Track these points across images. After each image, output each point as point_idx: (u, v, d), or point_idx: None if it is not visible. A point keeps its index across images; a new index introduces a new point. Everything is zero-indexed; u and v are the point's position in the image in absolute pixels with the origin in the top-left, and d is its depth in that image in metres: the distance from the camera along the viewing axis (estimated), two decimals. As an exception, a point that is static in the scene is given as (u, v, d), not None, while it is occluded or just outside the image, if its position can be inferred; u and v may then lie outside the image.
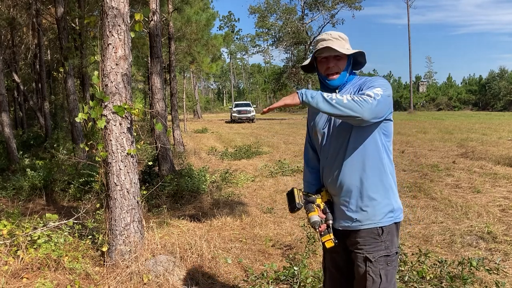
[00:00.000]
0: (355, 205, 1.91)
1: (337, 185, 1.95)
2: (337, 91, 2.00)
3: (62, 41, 9.47)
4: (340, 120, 1.90)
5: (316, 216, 1.94)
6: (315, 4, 37.18)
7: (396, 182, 2.01)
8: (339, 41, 1.97)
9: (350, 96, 1.72)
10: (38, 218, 4.02)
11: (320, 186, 2.09)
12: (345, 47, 1.97)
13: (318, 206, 1.99)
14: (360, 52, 1.98)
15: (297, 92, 1.77)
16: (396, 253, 1.93)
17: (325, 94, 1.74)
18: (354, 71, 2.06)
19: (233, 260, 3.91)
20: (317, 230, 1.94)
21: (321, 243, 1.97)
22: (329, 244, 1.92)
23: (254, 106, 45.34)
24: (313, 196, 2.01)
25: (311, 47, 34.81)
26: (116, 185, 3.62)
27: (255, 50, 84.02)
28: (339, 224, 1.97)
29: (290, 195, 1.99)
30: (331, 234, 1.93)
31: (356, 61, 2.04)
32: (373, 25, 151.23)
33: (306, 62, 2.08)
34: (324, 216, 1.98)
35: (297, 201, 1.93)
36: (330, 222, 1.96)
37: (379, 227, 1.89)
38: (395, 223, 1.93)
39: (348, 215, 1.93)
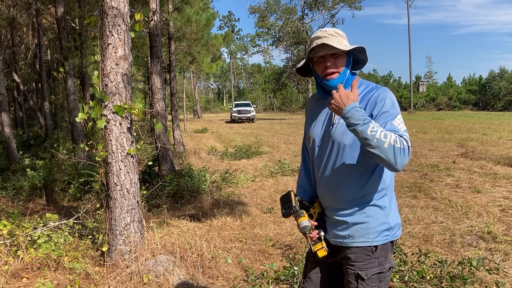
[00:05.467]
0: (348, 221, 1.76)
1: (329, 198, 1.81)
2: None
3: (62, 41, 9.48)
4: (337, 132, 1.75)
5: (306, 221, 1.82)
6: (315, 4, 37.25)
7: (395, 197, 1.87)
8: (336, 37, 1.75)
9: (394, 136, 1.56)
10: (38, 218, 4.02)
11: (312, 195, 1.96)
12: (343, 44, 1.75)
13: (311, 215, 1.90)
14: (360, 48, 1.76)
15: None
16: (390, 268, 1.79)
17: (371, 126, 1.56)
18: (354, 71, 1.86)
19: (233, 260, 3.91)
20: (308, 236, 1.82)
21: (312, 252, 1.85)
22: (321, 253, 1.81)
23: (254, 106, 45.35)
24: (307, 205, 1.92)
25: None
26: (116, 185, 3.62)
27: (255, 50, 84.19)
28: (330, 238, 1.84)
29: (286, 197, 1.89)
30: (323, 243, 1.82)
31: (356, 60, 1.84)
32: (373, 25, 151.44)
33: (301, 63, 1.87)
34: (316, 223, 1.87)
35: (293, 204, 1.84)
36: (322, 233, 1.84)
37: (373, 246, 1.74)
38: (391, 241, 1.78)
39: (340, 230, 1.79)
